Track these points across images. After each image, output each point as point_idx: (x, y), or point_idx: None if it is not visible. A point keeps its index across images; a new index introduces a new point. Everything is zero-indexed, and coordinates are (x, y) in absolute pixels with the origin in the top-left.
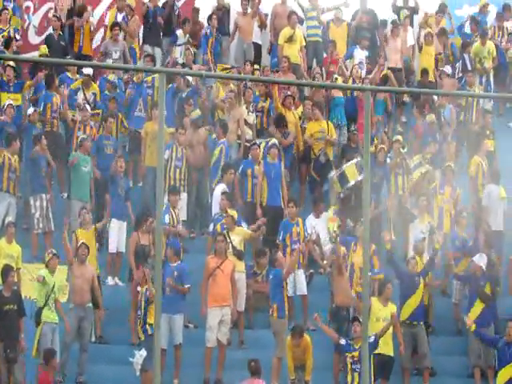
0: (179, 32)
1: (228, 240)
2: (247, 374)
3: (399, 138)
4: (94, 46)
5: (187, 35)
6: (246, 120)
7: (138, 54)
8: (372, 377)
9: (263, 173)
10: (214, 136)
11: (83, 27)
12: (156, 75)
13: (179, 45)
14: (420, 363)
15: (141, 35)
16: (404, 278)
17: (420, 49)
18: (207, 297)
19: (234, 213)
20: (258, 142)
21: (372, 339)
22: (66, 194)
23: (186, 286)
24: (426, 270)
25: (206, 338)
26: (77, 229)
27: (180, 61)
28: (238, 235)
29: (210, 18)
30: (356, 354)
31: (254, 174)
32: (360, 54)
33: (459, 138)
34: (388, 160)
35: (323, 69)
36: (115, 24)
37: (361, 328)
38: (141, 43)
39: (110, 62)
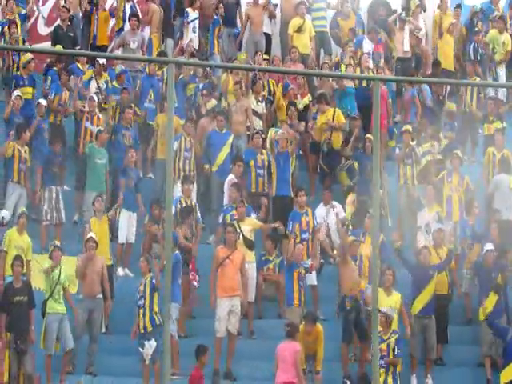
0: (189, 9)
1: (238, 230)
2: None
3: (409, 128)
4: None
5: (196, 12)
6: (255, 110)
7: (154, 45)
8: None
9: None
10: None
11: (97, 16)
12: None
13: (190, 21)
14: (427, 354)
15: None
16: (415, 271)
17: (440, 36)
18: (216, 287)
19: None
20: (272, 130)
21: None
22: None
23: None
24: (442, 267)
25: (215, 328)
26: (91, 218)
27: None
28: (249, 226)
29: (217, 7)
30: (384, 346)
31: (256, 164)
32: (368, 45)
33: (463, 127)
34: (397, 150)
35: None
36: (133, 15)
37: (385, 319)
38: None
39: (126, 52)
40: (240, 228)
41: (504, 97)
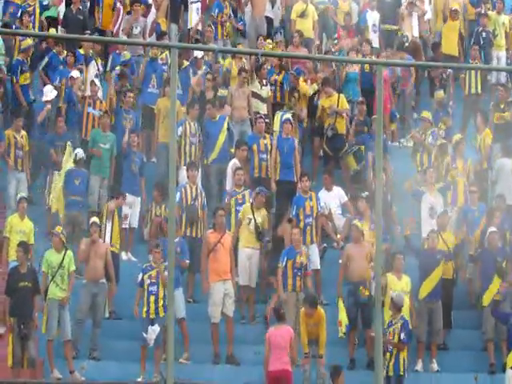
0: None
1: (251, 217)
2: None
3: (428, 115)
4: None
5: None
6: (259, 94)
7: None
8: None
9: (276, 147)
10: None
11: (102, 2)
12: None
13: (193, 2)
14: (432, 338)
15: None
16: (422, 255)
17: (444, 20)
18: (208, 272)
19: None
20: (280, 112)
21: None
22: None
23: (186, 261)
24: (451, 256)
25: (210, 314)
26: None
27: (194, 21)
28: (261, 216)
29: None
30: (391, 330)
31: (259, 149)
32: (372, 17)
33: (467, 111)
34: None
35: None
36: (135, 0)
37: (392, 304)
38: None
39: (129, 37)
40: (254, 215)
41: (507, 82)
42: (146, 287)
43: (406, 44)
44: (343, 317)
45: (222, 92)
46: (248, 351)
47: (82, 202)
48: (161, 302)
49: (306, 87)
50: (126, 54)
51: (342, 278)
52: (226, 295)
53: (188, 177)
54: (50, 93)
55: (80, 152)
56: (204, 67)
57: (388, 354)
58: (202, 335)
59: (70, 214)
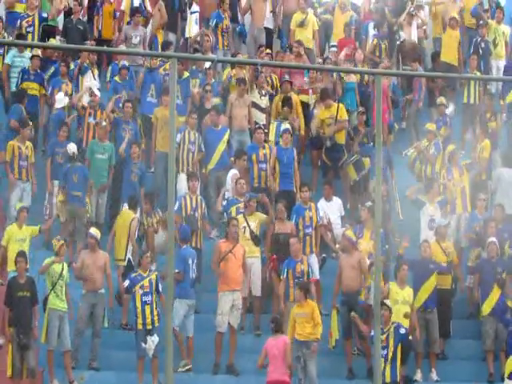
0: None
1: (246, 225)
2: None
3: (433, 127)
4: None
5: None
6: (258, 104)
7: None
8: (398, 362)
9: (275, 157)
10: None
11: (102, 10)
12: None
13: (192, 13)
14: (430, 348)
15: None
16: (416, 265)
17: (444, 28)
18: (218, 281)
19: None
20: (275, 122)
21: (403, 331)
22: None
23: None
24: (447, 269)
25: (216, 323)
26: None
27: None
28: (255, 220)
29: (222, 1)
30: (384, 337)
31: (258, 159)
32: (372, 30)
33: (465, 121)
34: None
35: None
36: (136, 10)
37: (389, 313)
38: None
39: (128, 47)
40: (248, 222)
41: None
42: (138, 298)
43: (398, 43)
44: (335, 329)
45: (215, 101)
46: (248, 361)
47: (82, 197)
48: (156, 312)
49: (298, 97)
50: (119, 62)
51: (337, 288)
52: (233, 306)
53: (188, 187)
54: (62, 100)
55: (72, 147)
56: (213, 79)
57: (390, 357)
58: (202, 345)
59: (72, 207)
